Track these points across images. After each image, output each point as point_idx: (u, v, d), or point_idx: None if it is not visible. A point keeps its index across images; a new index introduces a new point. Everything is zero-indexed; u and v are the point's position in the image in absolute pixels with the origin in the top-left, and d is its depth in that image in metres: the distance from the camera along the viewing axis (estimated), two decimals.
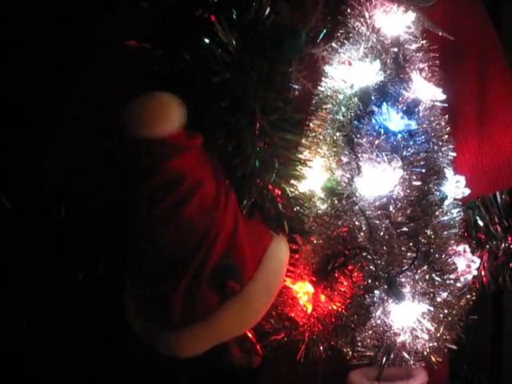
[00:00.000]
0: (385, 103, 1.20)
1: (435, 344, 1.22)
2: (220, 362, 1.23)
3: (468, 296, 1.33)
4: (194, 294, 1.05)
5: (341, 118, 1.20)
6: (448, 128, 1.27)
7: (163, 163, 1.02)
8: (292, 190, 1.16)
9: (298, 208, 1.17)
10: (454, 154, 1.29)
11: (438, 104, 1.28)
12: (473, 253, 1.39)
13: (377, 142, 1.18)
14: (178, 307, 1.04)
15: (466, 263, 1.33)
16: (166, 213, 1.04)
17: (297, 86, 1.20)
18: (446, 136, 1.27)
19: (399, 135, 1.19)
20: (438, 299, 1.22)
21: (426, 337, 1.21)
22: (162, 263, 1.05)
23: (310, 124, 1.23)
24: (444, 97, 1.27)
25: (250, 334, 1.23)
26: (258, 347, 1.24)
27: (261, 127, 1.11)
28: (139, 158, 1.05)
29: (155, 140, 1.03)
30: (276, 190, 1.14)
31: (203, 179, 1.06)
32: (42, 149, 1.40)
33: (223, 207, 1.07)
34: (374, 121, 1.18)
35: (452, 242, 1.27)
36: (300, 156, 1.18)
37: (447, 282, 1.23)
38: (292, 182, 1.16)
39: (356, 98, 1.20)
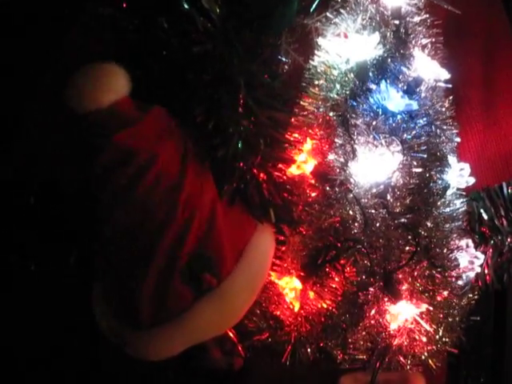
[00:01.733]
0: (384, 81, 1.11)
1: (434, 347, 1.17)
2: (199, 363, 1.14)
3: (470, 295, 1.28)
4: (165, 288, 0.95)
5: (335, 96, 1.11)
6: (452, 111, 1.18)
7: (109, 138, 0.94)
8: (279, 174, 1.08)
9: (285, 195, 1.09)
10: (458, 140, 1.21)
11: (442, 84, 1.19)
12: (476, 248, 1.33)
13: (374, 123, 1.09)
14: (147, 304, 0.95)
15: (469, 259, 1.27)
16: (118, 194, 0.95)
17: (286, 60, 1.12)
18: (450, 119, 1.18)
19: (399, 116, 1.10)
20: (438, 298, 1.17)
21: (424, 339, 1.14)
22: (125, 252, 0.96)
23: (301, 102, 1.13)
24: (448, 76, 1.18)
25: (231, 334, 1.15)
26: (240, 348, 1.15)
27: (245, 104, 1.02)
28: (85, 134, 0.97)
29: (98, 112, 0.95)
30: (261, 175, 1.06)
31: (159, 155, 0.96)
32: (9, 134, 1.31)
33: (198, 191, 0.98)
34: (371, 100, 1.10)
35: (454, 235, 1.20)
36: (289, 137, 1.09)
37: (448, 279, 1.17)
38: (279, 165, 1.08)
39: (352, 75, 1.10)
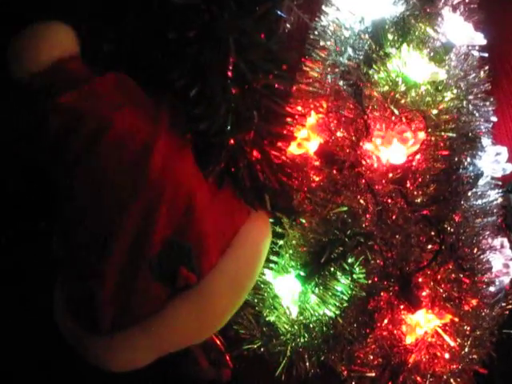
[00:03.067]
0: (405, 44, 0.98)
1: (458, 365, 1.08)
2: (182, 373, 1.03)
3: (503, 304, 1.15)
4: (130, 284, 0.81)
5: (346, 61, 1.00)
6: (488, 84, 1.05)
7: (54, 100, 0.80)
8: (277, 154, 0.95)
9: (284, 179, 0.96)
10: (495, 119, 1.08)
11: (476, 53, 1.06)
12: None
13: (392, 94, 0.96)
14: (107, 303, 0.81)
15: (504, 262, 1.16)
16: (71, 164, 0.81)
17: (288, 17, 0.99)
18: (486, 94, 1.05)
19: (423, 87, 0.99)
20: (466, 307, 1.04)
21: (447, 356, 1.06)
22: (83, 235, 0.81)
23: (304, 67, 1.02)
24: (484, 42, 1.03)
25: (217, 341, 1.04)
26: (228, 358, 1.05)
27: (236, 68, 0.88)
28: (29, 99, 0.84)
29: (41, 74, 0.82)
30: (255, 154, 0.93)
31: (115, 121, 0.82)
32: None
33: (172, 167, 0.82)
34: (389, 67, 0.97)
35: (486, 233, 1.09)
36: (289, 109, 0.95)
37: (478, 285, 1.06)
38: (277, 143, 0.95)
39: (367, 36, 0.99)
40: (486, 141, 1.07)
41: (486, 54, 1.07)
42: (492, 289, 1.10)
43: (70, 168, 0.81)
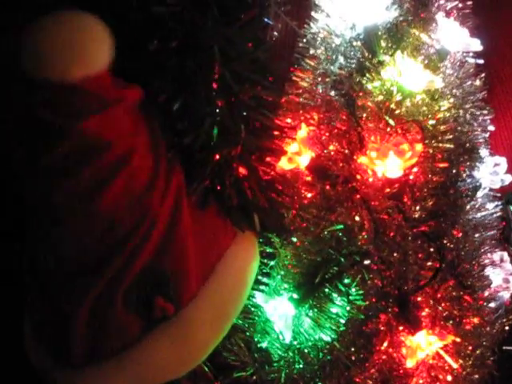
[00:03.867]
0: (400, 52, 0.92)
1: None
2: None
3: (504, 320, 1.10)
4: (104, 315, 0.73)
5: (337, 70, 0.95)
6: (485, 92, 1.01)
7: (76, 122, 0.69)
8: (266, 169, 0.90)
9: (273, 196, 0.90)
10: (492, 128, 1.04)
11: (472, 60, 1.01)
12: None
13: (387, 104, 0.91)
14: (80, 335, 0.73)
15: (504, 276, 1.11)
16: (75, 198, 0.72)
17: (276, 25, 0.92)
18: (483, 103, 1.02)
19: (418, 97, 0.93)
20: (467, 326, 0.99)
21: (450, 378, 1.00)
22: (63, 272, 0.73)
23: (294, 77, 0.97)
24: (480, 48, 0.98)
25: (206, 369, 0.97)
26: None
27: (221, 78, 0.83)
28: (40, 113, 0.71)
29: (64, 87, 0.70)
30: (242, 170, 0.88)
31: (136, 149, 0.74)
32: None
33: (163, 190, 0.75)
34: (383, 75, 0.92)
35: (486, 247, 1.04)
36: (278, 122, 0.90)
37: (479, 302, 1.00)
38: (266, 158, 0.90)
39: (359, 43, 0.94)
40: (483, 151, 1.02)
41: (482, 61, 1.02)
42: (492, 305, 1.05)
43: (72, 202, 0.72)
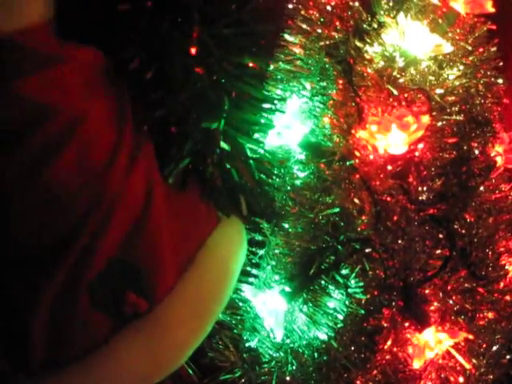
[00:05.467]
0: (402, 13, 0.84)
1: None
2: None
3: None
4: (67, 313, 0.66)
5: (333, 33, 0.85)
6: (499, 60, 0.91)
7: (10, 83, 0.62)
8: (253, 146, 0.82)
9: (262, 176, 0.84)
10: (506, 101, 0.95)
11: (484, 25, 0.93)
12: None
13: (389, 71, 0.83)
14: (39, 337, 0.65)
15: None
16: (21, 170, 0.64)
17: None
18: (497, 72, 0.91)
19: (424, 64, 0.86)
20: (481, 321, 0.91)
21: (462, 379, 0.92)
22: (15, 261, 0.65)
23: (283, 43, 0.88)
24: (493, 11, 0.89)
25: (190, 371, 0.92)
26: None
27: (200, 43, 0.76)
28: None
29: None
30: (226, 147, 0.80)
31: (88, 116, 0.66)
32: None
33: (126, 168, 0.67)
34: (384, 39, 0.84)
35: (502, 233, 0.96)
36: (266, 93, 0.85)
37: (494, 294, 0.93)
38: (253, 134, 0.83)
39: (357, 3, 0.85)
40: (498, 126, 0.93)
41: (495, 27, 0.94)
42: (508, 297, 0.95)
43: (15, 178, 0.64)
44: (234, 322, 0.90)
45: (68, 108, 0.66)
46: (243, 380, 0.92)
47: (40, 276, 0.66)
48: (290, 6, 0.88)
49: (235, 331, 0.91)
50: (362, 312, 0.89)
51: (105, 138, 0.68)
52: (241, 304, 0.89)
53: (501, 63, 0.96)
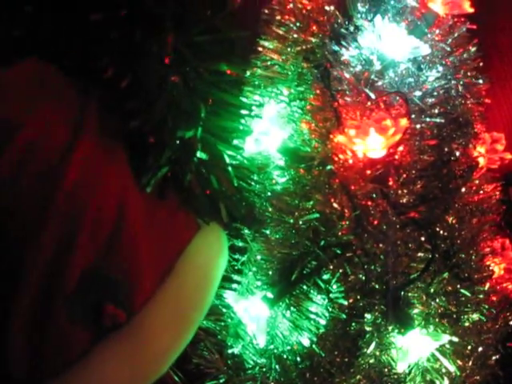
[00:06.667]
0: (380, 15, 0.83)
1: None
2: None
3: (507, 314, 1.01)
4: (45, 329, 0.65)
5: (310, 37, 0.83)
6: (479, 61, 0.90)
7: None
8: (232, 153, 0.82)
9: (242, 183, 0.84)
10: (488, 101, 0.93)
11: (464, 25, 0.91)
12: None
13: (367, 75, 0.82)
14: (17, 351, 0.63)
15: (505, 266, 1.01)
16: None
17: None
18: (477, 72, 0.90)
19: (403, 66, 0.85)
20: (466, 323, 0.89)
21: (447, 382, 0.88)
22: None
23: (259, 48, 0.87)
24: (472, 11, 0.88)
25: (175, 377, 0.90)
26: None
27: (175, 50, 0.76)
28: None
29: None
30: (204, 155, 0.79)
31: (26, 124, 0.66)
32: None
33: (97, 178, 0.67)
34: (362, 42, 0.83)
35: (485, 234, 0.95)
36: (243, 99, 0.84)
37: (479, 296, 0.90)
38: (231, 140, 0.82)
39: (332, 7, 0.83)
40: (479, 127, 0.92)
41: (475, 27, 0.93)
42: (494, 298, 0.95)
43: None
44: (218, 328, 0.88)
45: (6, 116, 0.67)
46: None
47: (11, 289, 0.65)
48: (266, 11, 0.86)
49: (219, 337, 0.89)
50: (344, 316, 0.87)
51: (51, 140, 0.67)
52: (224, 310, 0.87)
53: (481, 63, 0.95)
